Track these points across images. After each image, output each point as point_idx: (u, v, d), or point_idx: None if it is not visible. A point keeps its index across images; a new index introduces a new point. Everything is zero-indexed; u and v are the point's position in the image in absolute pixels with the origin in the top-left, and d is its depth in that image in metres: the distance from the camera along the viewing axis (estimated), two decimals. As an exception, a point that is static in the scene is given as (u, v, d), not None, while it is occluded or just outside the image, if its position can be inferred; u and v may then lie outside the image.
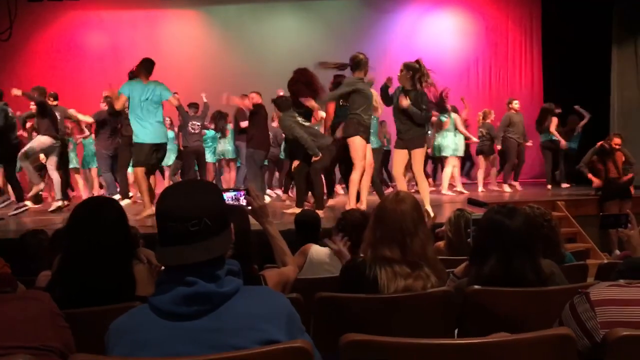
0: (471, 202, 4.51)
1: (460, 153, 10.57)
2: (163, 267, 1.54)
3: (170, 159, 10.48)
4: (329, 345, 1.74)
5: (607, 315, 1.70)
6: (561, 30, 12.11)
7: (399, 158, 6.68)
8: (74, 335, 1.61)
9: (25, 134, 10.75)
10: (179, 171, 10.56)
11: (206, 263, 1.46)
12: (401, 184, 6.69)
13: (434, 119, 9.94)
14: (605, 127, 10.87)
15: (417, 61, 6.85)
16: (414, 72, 6.73)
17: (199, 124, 9.91)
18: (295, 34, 13.59)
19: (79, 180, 11.58)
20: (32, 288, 2.58)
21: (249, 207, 2.54)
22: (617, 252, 7.09)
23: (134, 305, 1.92)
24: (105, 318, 1.79)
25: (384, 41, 13.53)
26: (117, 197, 8.03)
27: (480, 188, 10.56)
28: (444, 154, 10.48)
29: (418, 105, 6.57)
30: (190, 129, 9.84)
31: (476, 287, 2.26)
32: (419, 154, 6.58)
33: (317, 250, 3.46)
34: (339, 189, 10.64)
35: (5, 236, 6.00)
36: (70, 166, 10.71)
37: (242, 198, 2.57)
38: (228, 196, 2.50)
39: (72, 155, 11.11)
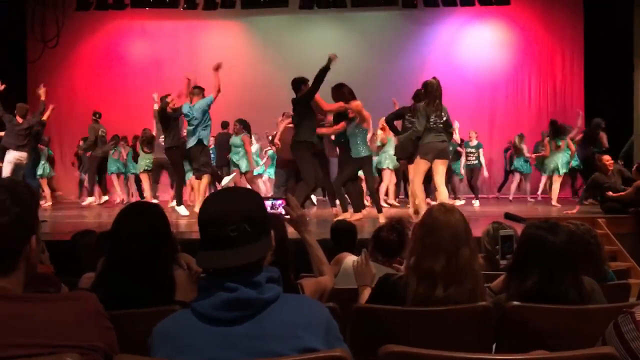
0: (508, 216, 4.45)
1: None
2: (203, 274, 1.57)
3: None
4: (365, 356, 1.74)
5: (652, 336, 1.66)
6: (604, 44, 11.91)
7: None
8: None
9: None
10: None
11: (245, 269, 1.48)
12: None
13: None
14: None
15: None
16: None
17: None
18: (333, 46, 13.57)
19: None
20: (75, 289, 2.64)
21: (287, 217, 2.56)
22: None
23: (174, 309, 1.95)
24: (144, 321, 1.83)
25: (423, 53, 13.50)
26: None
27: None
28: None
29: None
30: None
31: (516, 303, 2.22)
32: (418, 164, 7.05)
33: (352, 260, 3.45)
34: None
35: (57, 238, 6.15)
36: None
37: (280, 207, 2.60)
38: (266, 204, 2.53)
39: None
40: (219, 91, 8.56)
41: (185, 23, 13.43)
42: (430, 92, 7.15)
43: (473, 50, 13.49)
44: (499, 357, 1.68)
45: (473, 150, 11.18)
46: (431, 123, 6.99)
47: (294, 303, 1.53)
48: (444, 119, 7.06)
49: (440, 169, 7.04)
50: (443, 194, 7.03)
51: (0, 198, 1.45)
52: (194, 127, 8.39)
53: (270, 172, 11.44)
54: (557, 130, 10.35)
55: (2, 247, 1.45)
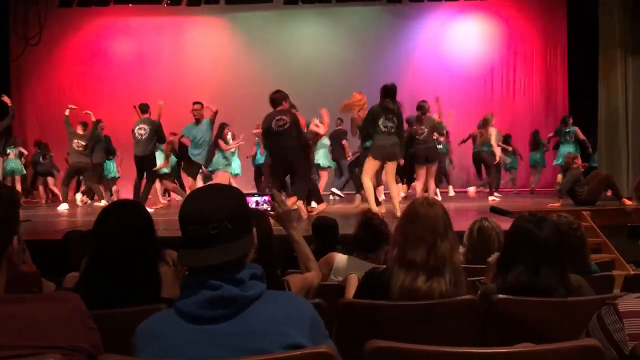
0: (494, 210, 4.47)
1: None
2: (187, 271, 1.56)
3: None
4: (351, 351, 1.74)
5: (636, 327, 1.67)
6: (587, 37, 11.97)
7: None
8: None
9: None
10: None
11: (228, 266, 1.47)
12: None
13: None
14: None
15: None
16: None
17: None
18: (318, 41, 13.64)
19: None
20: (59, 289, 2.61)
21: (272, 212, 2.55)
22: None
23: (159, 307, 1.94)
24: (130, 320, 1.81)
25: (408, 48, 13.52)
26: None
27: None
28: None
29: None
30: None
31: (501, 295, 2.24)
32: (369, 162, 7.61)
33: (341, 259, 3.45)
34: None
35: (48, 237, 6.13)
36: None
37: (264, 203, 2.58)
38: (251, 201, 2.51)
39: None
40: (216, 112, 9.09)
41: (169, 19, 13.36)
42: (382, 96, 7.52)
43: (458, 45, 13.54)
44: (484, 350, 1.68)
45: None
46: (382, 126, 7.36)
47: (278, 299, 1.53)
48: (396, 122, 7.42)
49: (390, 169, 7.57)
50: (394, 191, 7.56)
51: None
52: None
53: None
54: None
55: None
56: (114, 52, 13.85)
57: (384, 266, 2.54)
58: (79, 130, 10.04)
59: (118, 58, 13.79)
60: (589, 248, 3.20)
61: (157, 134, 9.26)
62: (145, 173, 9.36)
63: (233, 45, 13.80)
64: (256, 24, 13.67)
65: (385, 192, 9.05)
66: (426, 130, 9.27)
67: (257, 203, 2.55)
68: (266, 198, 2.58)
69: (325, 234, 4.37)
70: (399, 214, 7.21)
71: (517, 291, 2.25)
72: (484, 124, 10.58)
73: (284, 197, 2.85)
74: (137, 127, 9.24)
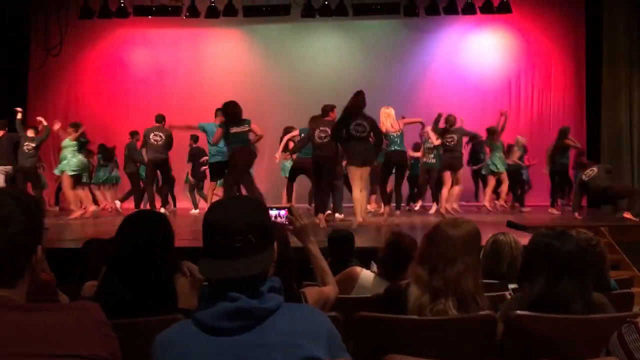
0: (510, 224, 4.45)
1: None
2: (206, 282, 1.56)
3: None
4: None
5: (657, 346, 1.65)
6: (603, 55, 11.94)
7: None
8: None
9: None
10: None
11: (249, 279, 1.48)
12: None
13: None
14: None
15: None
16: None
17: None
18: (335, 54, 13.68)
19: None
20: (77, 297, 2.63)
21: (291, 226, 2.56)
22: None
23: (177, 317, 1.95)
24: (148, 329, 1.82)
25: (424, 61, 13.51)
26: None
27: None
28: None
29: None
30: None
31: (519, 312, 2.21)
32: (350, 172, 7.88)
33: (367, 277, 3.38)
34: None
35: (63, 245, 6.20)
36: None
37: (283, 216, 2.60)
38: (270, 214, 2.52)
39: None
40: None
41: (187, 31, 13.46)
42: (351, 103, 7.77)
43: (475, 58, 13.50)
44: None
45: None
46: (353, 132, 7.60)
47: (295, 312, 1.53)
48: (368, 129, 7.65)
49: (364, 173, 7.75)
50: (359, 197, 7.76)
51: (9, 207, 1.43)
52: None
53: None
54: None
55: (11, 258, 1.44)
56: (132, 62, 13.99)
57: (406, 281, 2.52)
58: (30, 134, 10.12)
59: (136, 69, 13.92)
60: (608, 265, 3.16)
61: (170, 142, 9.94)
62: (161, 176, 10.22)
63: (250, 56, 13.88)
64: (273, 35, 13.75)
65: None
66: (455, 138, 9.87)
67: (275, 217, 2.56)
68: (283, 212, 2.59)
69: (339, 246, 4.36)
70: (360, 219, 7.58)
71: (536, 307, 2.23)
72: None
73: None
74: (152, 134, 9.85)
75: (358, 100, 7.66)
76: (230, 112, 7.91)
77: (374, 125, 7.74)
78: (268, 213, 1.62)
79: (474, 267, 2.35)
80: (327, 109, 8.39)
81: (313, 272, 2.70)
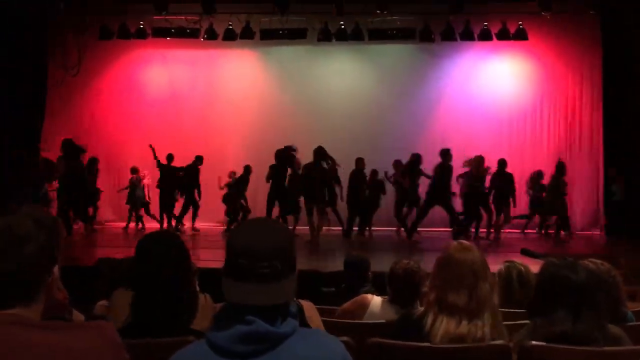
0: (525, 252, 4.41)
1: None
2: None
3: None
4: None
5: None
6: (623, 81, 11.88)
7: None
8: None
9: None
10: None
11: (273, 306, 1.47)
12: None
13: None
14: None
15: None
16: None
17: None
18: (350, 78, 13.74)
19: None
20: (90, 317, 2.63)
21: None
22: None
23: (188, 339, 1.94)
24: (161, 351, 1.82)
25: (440, 86, 13.51)
26: None
27: None
28: None
29: None
30: None
31: (536, 342, 2.18)
32: None
33: (376, 304, 3.37)
34: None
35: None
36: None
37: None
38: None
39: None
40: None
41: (204, 52, 13.58)
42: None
43: (490, 84, 13.47)
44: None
45: None
46: None
47: (310, 338, 1.52)
48: None
49: None
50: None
51: (27, 227, 1.45)
52: None
53: None
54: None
55: (27, 277, 1.45)
56: (149, 83, 14.08)
57: (421, 309, 2.50)
58: None
59: (152, 89, 14.01)
60: (624, 296, 3.11)
61: None
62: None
63: (265, 78, 13.96)
64: (288, 58, 13.82)
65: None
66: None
67: None
68: None
69: (353, 271, 4.33)
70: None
71: (556, 339, 2.20)
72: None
73: None
74: None
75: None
76: None
77: None
78: (294, 239, 1.60)
79: (495, 286, 2.38)
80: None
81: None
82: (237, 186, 11.70)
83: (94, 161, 11.89)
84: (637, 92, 11.35)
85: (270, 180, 10.89)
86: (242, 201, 11.83)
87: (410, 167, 11.03)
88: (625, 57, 11.81)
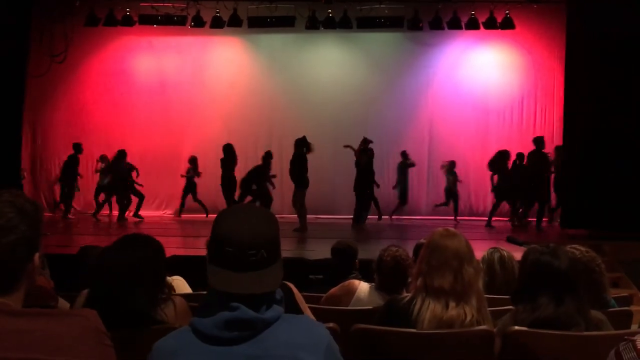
0: (510, 240, 4.45)
1: None
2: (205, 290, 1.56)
3: None
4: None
5: (655, 365, 1.64)
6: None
7: None
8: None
9: None
10: None
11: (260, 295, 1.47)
12: None
13: None
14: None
15: None
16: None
17: None
18: (338, 66, 13.71)
19: None
20: (73, 304, 2.63)
21: None
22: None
23: (174, 327, 1.94)
24: (145, 339, 1.82)
25: (428, 74, 13.53)
26: None
27: None
28: None
29: None
30: None
31: (518, 327, 2.21)
32: None
33: (363, 290, 3.39)
34: None
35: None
36: None
37: None
38: None
39: None
40: None
41: (191, 39, 13.46)
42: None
43: (478, 73, 13.50)
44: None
45: None
46: None
47: (294, 323, 1.53)
48: None
49: None
50: None
51: (8, 215, 1.43)
52: None
53: None
54: None
55: (9, 266, 1.44)
56: (137, 70, 13.96)
57: (407, 295, 2.52)
58: None
59: (140, 76, 13.90)
60: (607, 282, 3.15)
61: None
62: None
63: (253, 66, 13.89)
64: (277, 45, 13.76)
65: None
66: None
67: None
68: None
69: (340, 258, 4.35)
70: None
71: (539, 324, 2.23)
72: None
73: None
74: None
75: None
76: None
77: None
78: (278, 227, 1.59)
79: (479, 270, 2.41)
80: None
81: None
82: (258, 174, 11.53)
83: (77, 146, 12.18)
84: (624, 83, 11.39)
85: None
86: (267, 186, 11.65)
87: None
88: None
